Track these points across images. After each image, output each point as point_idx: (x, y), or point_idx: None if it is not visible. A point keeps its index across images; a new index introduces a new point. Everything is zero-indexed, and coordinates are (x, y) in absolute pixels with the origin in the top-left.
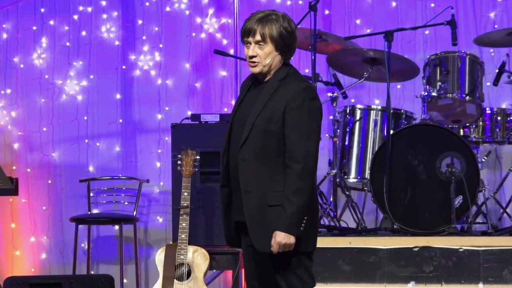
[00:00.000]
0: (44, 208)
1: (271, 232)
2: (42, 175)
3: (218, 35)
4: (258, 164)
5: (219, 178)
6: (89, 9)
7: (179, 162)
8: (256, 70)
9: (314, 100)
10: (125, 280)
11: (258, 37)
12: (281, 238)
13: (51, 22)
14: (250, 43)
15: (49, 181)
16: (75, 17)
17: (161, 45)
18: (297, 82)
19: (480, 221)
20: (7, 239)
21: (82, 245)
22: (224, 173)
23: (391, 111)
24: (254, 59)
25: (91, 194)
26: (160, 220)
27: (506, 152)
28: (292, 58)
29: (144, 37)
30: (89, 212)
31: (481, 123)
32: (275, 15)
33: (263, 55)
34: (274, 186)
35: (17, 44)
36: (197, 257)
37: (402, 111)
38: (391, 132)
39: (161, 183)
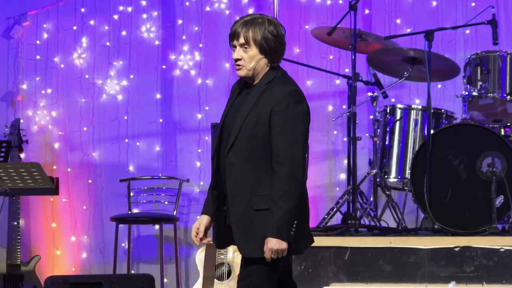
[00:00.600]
0: (84, 207)
1: (257, 237)
2: (83, 174)
3: None
4: (245, 168)
5: None
6: (129, 9)
7: None
8: (242, 73)
9: (300, 103)
10: (165, 280)
11: (242, 40)
12: (273, 244)
13: (92, 22)
14: (236, 47)
15: (90, 181)
16: (115, 17)
17: (201, 45)
18: (283, 85)
19: None
20: (48, 239)
21: (123, 244)
22: (215, 176)
23: (432, 110)
24: (238, 62)
25: (131, 194)
26: None
27: None
28: (280, 61)
29: (184, 37)
30: (129, 212)
31: None
32: (261, 19)
33: (248, 58)
34: (261, 190)
35: (58, 44)
36: (237, 257)
37: (443, 110)
38: (432, 131)
39: (201, 183)
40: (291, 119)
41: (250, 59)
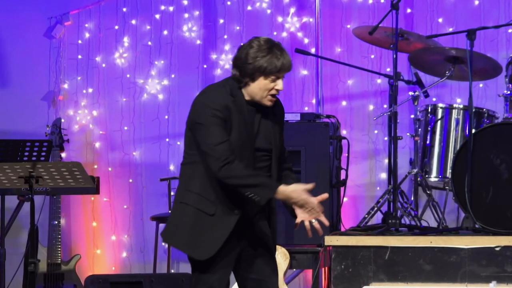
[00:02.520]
0: (125, 207)
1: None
2: (123, 174)
3: (299, 34)
4: None
5: (299, 176)
6: (171, 8)
7: None
8: (271, 104)
9: None
10: None
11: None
12: None
13: (133, 22)
14: (280, 78)
15: (130, 180)
16: (157, 16)
17: (242, 44)
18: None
19: None
20: (89, 238)
21: (163, 244)
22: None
23: (473, 110)
24: (277, 94)
25: (172, 193)
26: None
27: None
28: None
29: (225, 36)
30: (169, 211)
31: None
32: None
33: None
34: None
35: (99, 44)
36: (277, 256)
37: (484, 110)
38: (473, 131)
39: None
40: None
41: None
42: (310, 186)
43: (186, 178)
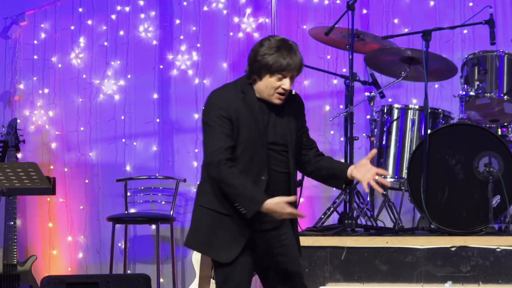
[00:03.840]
0: (81, 207)
1: None
2: (80, 174)
3: (256, 35)
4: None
5: None
6: (127, 8)
7: None
8: (281, 102)
9: None
10: (161, 280)
11: (296, 74)
12: None
13: (89, 22)
14: (286, 78)
15: (86, 181)
16: (113, 16)
17: (198, 45)
18: (299, 97)
19: None
20: (45, 238)
21: (119, 244)
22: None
23: (429, 110)
24: (285, 93)
25: (128, 194)
26: None
27: None
28: None
29: (181, 37)
30: (126, 212)
31: None
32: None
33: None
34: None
35: (55, 44)
36: None
37: (440, 110)
38: (429, 131)
39: (198, 183)
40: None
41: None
42: (292, 198)
43: (202, 179)
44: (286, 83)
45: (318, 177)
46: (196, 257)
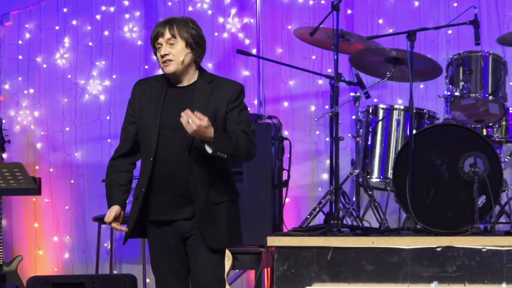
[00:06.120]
0: (67, 207)
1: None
2: (65, 175)
3: (241, 35)
4: (206, 162)
5: (241, 177)
6: (112, 9)
7: None
8: (171, 69)
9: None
10: (147, 280)
11: (168, 36)
12: (206, 123)
13: (74, 22)
14: (161, 44)
15: (72, 181)
16: (98, 17)
17: None
18: (232, 83)
19: (504, 221)
20: (30, 239)
21: (105, 244)
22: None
23: (414, 111)
24: (167, 58)
25: None
26: None
27: None
28: (201, 61)
29: None
30: None
31: (504, 122)
32: (183, 18)
33: (176, 53)
34: (218, 185)
35: (40, 44)
36: None
37: (425, 111)
38: (414, 132)
39: None
40: (246, 111)
41: (178, 54)
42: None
43: None
44: (162, 50)
45: None
46: None
